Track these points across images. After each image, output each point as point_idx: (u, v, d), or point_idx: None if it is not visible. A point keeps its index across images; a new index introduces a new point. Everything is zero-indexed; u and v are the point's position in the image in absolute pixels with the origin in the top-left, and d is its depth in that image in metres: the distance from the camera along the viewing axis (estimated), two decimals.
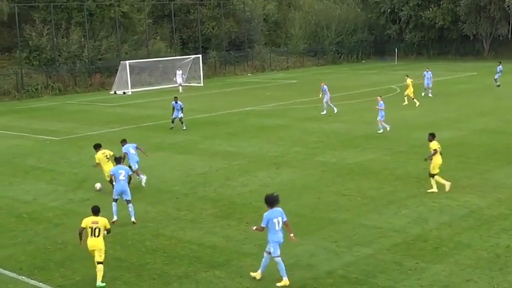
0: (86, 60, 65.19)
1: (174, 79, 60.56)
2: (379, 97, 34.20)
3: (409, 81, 43.21)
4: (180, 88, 58.49)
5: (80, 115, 45.56)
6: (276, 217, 14.58)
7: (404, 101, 43.01)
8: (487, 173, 24.05)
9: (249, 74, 75.17)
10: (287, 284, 14.44)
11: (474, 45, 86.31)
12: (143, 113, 44.74)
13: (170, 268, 15.77)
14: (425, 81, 47.75)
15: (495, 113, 38.03)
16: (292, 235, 14.86)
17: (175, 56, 69.41)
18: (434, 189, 21.57)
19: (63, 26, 64.78)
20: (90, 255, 16.31)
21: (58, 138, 35.45)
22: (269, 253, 14.63)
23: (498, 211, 19.37)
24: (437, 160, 21.52)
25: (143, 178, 23.84)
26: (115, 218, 19.45)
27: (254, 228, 15.04)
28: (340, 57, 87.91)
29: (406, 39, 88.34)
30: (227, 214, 19.98)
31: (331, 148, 29.62)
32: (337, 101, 45.69)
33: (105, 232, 15.41)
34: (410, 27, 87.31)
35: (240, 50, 79.46)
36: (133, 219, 19.57)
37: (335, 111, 39.98)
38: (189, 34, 77.22)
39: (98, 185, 23.59)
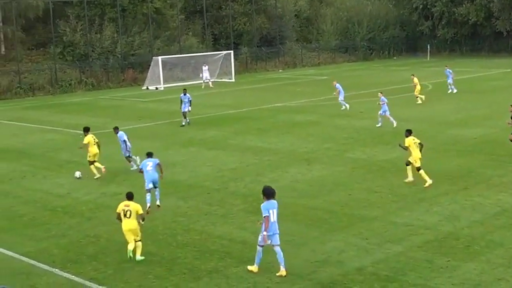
0: (119, 56, 65.74)
1: (201, 75, 60.77)
2: (380, 93, 34.96)
3: (416, 80, 43.36)
4: (210, 83, 58.72)
5: (112, 110, 46.00)
6: (272, 208, 14.90)
7: (418, 101, 42.59)
8: None
9: (280, 70, 75.14)
10: (254, 271, 14.99)
11: (507, 42, 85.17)
12: (175, 109, 44.91)
13: (201, 262, 15.88)
14: (448, 79, 47.53)
15: None
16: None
17: (207, 52, 69.66)
18: (410, 178, 22.45)
19: (96, 22, 65.42)
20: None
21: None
22: (271, 244, 14.94)
23: None
24: (416, 154, 22.28)
25: (134, 165, 25.97)
26: (148, 205, 20.35)
27: (263, 229, 14.85)
28: (372, 54, 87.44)
29: (438, 36, 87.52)
30: (257, 210, 19.85)
31: (361, 144, 29.54)
32: (368, 98, 45.50)
33: (141, 219, 16.48)
34: (443, 23, 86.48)
35: (271, 46, 79.45)
36: (158, 202, 20.71)
37: (347, 108, 40.10)
38: (221, 30, 77.40)
39: (77, 174, 25.30)
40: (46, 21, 65.49)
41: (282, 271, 14.83)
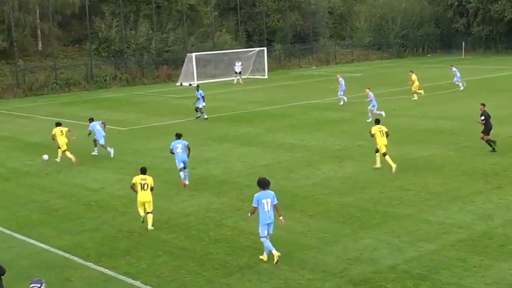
0: (154, 52, 66.22)
1: (235, 70, 61.13)
2: (367, 89, 36.36)
3: (414, 77, 44.09)
4: (240, 80, 58.89)
5: (147, 106, 46.37)
6: (266, 198, 15.52)
7: (414, 97, 42.60)
8: None
9: (313, 67, 75.01)
10: (264, 259, 15.63)
11: None
12: (208, 105, 45.14)
13: (233, 258, 15.97)
14: (455, 77, 48.21)
15: None
16: (281, 217, 15.76)
17: (240, 48, 69.81)
18: (378, 164, 24.53)
19: (131, 19, 66.00)
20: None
21: (125, 128, 36.20)
22: (266, 233, 15.60)
23: None
24: (380, 141, 24.42)
25: (111, 150, 28.76)
26: (186, 182, 22.98)
27: (249, 214, 15.98)
28: (405, 51, 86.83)
29: (473, 33, 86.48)
30: (289, 206, 20.07)
31: (394, 142, 29.30)
32: (401, 95, 45.28)
33: (151, 189, 18.60)
34: (478, 20, 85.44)
35: (304, 43, 79.35)
36: (187, 181, 22.97)
37: (342, 103, 41.45)
38: (254, 26, 77.50)
39: (45, 157, 27.49)
40: (82, 18, 66.25)
41: (264, 257, 15.71)
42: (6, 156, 30.27)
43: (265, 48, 67.60)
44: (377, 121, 25.47)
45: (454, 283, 14.02)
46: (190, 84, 59.92)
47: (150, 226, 18.29)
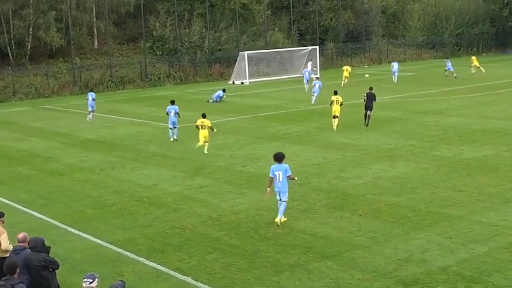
0: (207, 51, 66.71)
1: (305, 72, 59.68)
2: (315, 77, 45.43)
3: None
4: (313, 77, 57.59)
5: (200, 104, 46.75)
6: (279, 170, 18.06)
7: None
8: None
9: (365, 66, 74.50)
10: (277, 222, 18.21)
11: None
12: (259, 103, 45.38)
13: (282, 256, 16.03)
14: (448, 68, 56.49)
15: None
16: (296, 178, 19.00)
17: (292, 47, 69.79)
18: (334, 127, 32.63)
19: (185, 17, 66.65)
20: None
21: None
22: (279, 199, 18.35)
23: None
24: (334, 108, 32.81)
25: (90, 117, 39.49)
26: (175, 137, 31.73)
27: (268, 185, 18.42)
28: (460, 50, 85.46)
29: None
30: (340, 206, 20.07)
31: (447, 142, 29.05)
32: (456, 95, 44.68)
33: (211, 129, 28.47)
34: None
35: (357, 41, 78.90)
36: (175, 137, 31.62)
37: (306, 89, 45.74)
38: (307, 25, 77.38)
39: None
40: (137, 16, 67.22)
41: (278, 219, 18.22)
42: (62, 152, 30.93)
43: (317, 47, 67.43)
44: (335, 92, 33.77)
45: (507, 286, 13.82)
46: (242, 83, 60.20)
47: (206, 150, 28.19)
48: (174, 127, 31.63)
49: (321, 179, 23.40)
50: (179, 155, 28.74)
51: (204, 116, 28.69)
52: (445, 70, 57.99)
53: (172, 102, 32.56)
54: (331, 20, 77.55)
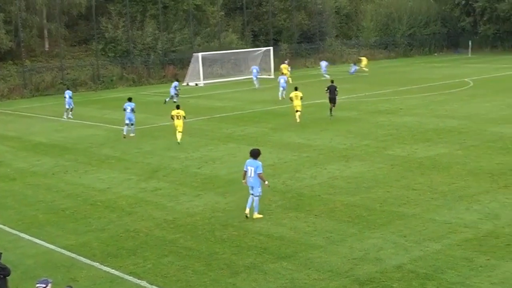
0: (160, 52, 66.31)
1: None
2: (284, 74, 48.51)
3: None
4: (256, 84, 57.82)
5: (153, 106, 46.44)
6: (251, 166, 18.73)
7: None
8: None
9: (319, 67, 74.83)
10: (247, 214, 18.88)
11: None
12: (214, 105, 45.26)
13: (238, 258, 15.97)
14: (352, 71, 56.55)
15: None
16: (266, 182, 18.99)
17: (247, 48, 69.81)
18: (297, 119, 34.91)
19: (138, 19, 66.14)
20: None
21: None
22: (251, 194, 18.92)
23: None
24: (295, 103, 35.37)
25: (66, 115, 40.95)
26: (131, 134, 33.28)
27: (242, 178, 19.09)
28: (412, 50, 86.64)
29: (480, 32, 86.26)
30: (295, 206, 20.08)
31: (401, 141, 29.34)
32: (409, 95, 45.23)
33: (184, 118, 30.71)
34: (485, 19, 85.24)
35: (311, 42, 79.30)
36: (132, 134, 33.29)
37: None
38: (261, 26, 77.50)
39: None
40: (89, 18, 66.44)
41: (247, 211, 18.86)
42: (13, 156, 30.36)
43: (271, 48, 67.59)
44: (296, 88, 36.30)
45: (460, 283, 13.98)
46: (196, 84, 59.99)
47: (179, 140, 30.34)
48: (131, 124, 33.14)
49: (277, 179, 23.38)
50: (133, 158, 28.45)
51: (178, 107, 31.35)
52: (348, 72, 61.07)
53: (129, 99, 34.17)
54: (284, 21, 77.79)
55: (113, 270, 15.56)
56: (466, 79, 53.96)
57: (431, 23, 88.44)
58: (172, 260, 15.98)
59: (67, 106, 41.47)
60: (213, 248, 16.75)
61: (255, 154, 18.94)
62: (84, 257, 16.49)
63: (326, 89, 37.86)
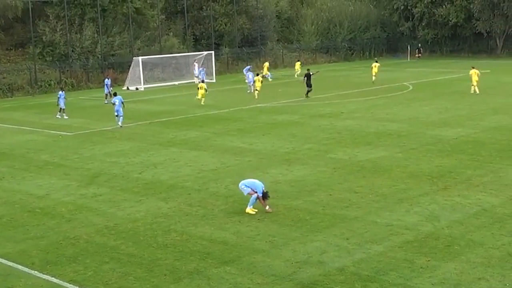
0: (99, 56, 65.44)
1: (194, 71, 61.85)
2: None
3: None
4: (196, 80, 58.72)
5: (93, 110, 45.78)
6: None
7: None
8: (500, 171, 23.92)
9: (261, 71, 75.05)
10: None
11: (487, 43, 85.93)
12: (156, 109, 44.86)
13: (181, 263, 15.80)
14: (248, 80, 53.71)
15: (508, 111, 37.83)
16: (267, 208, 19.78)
17: (188, 52, 69.51)
18: (255, 96, 44.52)
19: (76, 22, 65.04)
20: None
21: (71, 134, 35.62)
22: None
23: (510, 210, 19.27)
24: (256, 84, 46.81)
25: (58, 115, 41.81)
26: (118, 125, 35.88)
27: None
28: (353, 54, 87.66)
29: (419, 37, 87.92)
30: (238, 210, 20.01)
31: (343, 145, 29.59)
32: (350, 99, 45.74)
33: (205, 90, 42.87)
34: (423, 24, 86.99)
35: (252, 46, 79.47)
36: (120, 124, 36.28)
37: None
38: (202, 30, 77.28)
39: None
40: (25, 21, 64.95)
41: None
42: None
43: (212, 52, 67.47)
44: (257, 74, 48.20)
45: (401, 284, 14.13)
46: (136, 88, 59.39)
47: (202, 102, 43.16)
48: (120, 115, 36.47)
49: (219, 184, 23.28)
50: (73, 164, 27.92)
51: (203, 80, 44.09)
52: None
53: (115, 94, 38.38)
54: (226, 25, 77.76)
55: (53, 278, 15.21)
56: (405, 83, 54.89)
57: (371, 28, 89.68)
58: (113, 267, 15.70)
59: (62, 107, 42.69)
60: (155, 254, 16.53)
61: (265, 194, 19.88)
62: (22, 266, 16.07)
63: (304, 77, 47.08)
